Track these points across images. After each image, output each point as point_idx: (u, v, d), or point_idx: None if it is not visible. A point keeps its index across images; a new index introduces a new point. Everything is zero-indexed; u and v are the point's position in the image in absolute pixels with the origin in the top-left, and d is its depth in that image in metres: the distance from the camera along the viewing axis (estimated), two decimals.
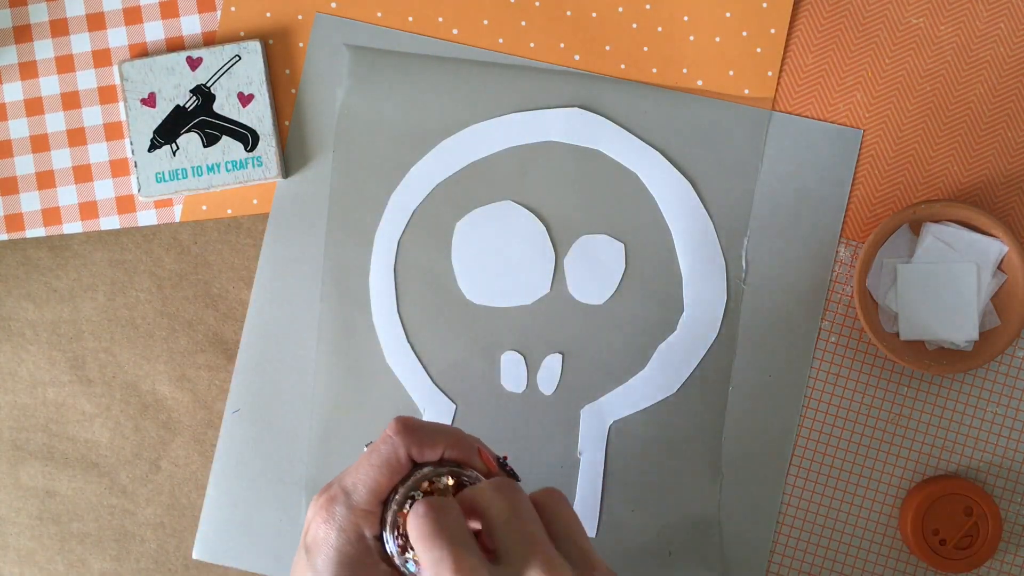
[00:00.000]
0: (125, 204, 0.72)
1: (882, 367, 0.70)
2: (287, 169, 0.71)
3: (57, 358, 0.71)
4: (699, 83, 0.71)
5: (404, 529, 0.51)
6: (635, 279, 0.71)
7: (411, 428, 0.53)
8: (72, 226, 0.71)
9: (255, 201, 0.72)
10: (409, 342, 0.71)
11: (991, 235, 0.68)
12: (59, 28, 0.71)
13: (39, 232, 0.72)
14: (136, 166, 0.70)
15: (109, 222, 0.71)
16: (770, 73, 0.71)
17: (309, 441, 0.71)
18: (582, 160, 0.71)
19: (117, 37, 0.72)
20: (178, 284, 0.71)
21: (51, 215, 0.71)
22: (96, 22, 0.72)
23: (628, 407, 0.70)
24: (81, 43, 0.71)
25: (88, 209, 0.71)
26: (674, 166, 0.71)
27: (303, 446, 0.71)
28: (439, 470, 0.53)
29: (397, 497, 0.52)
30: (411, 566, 0.51)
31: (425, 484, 0.52)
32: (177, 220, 0.72)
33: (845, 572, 0.70)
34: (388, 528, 0.52)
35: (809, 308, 0.70)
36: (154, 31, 0.72)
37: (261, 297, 0.71)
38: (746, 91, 0.71)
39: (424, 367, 0.71)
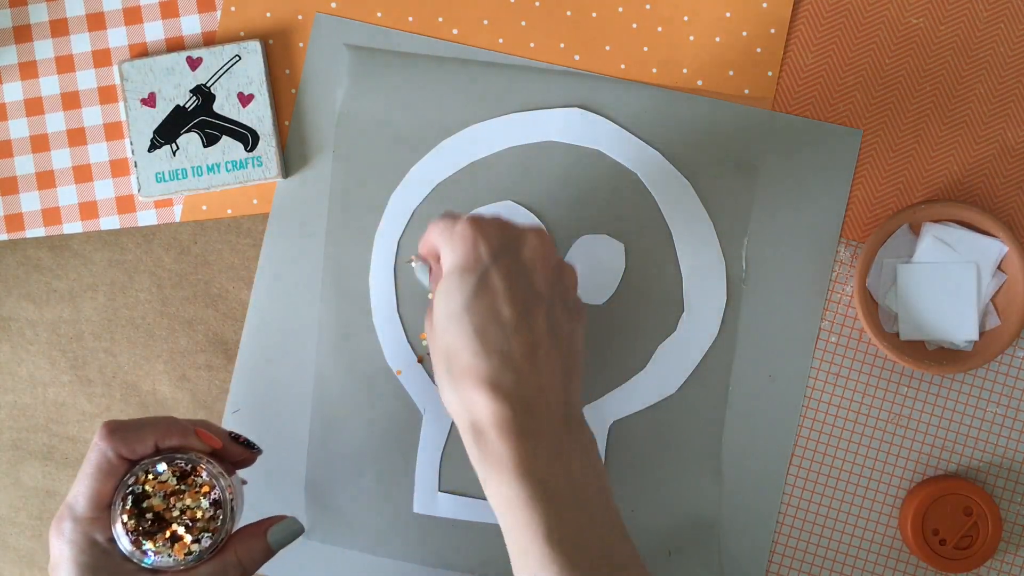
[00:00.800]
0: (125, 204, 0.71)
1: (882, 367, 0.70)
2: (287, 169, 0.71)
3: (57, 358, 0.71)
4: (699, 83, 0.71)
5: (131, 526, 0.54)
6: (635, 279, 0.71)
7: (115, 429, 0.55)
8: (72, 226, 0.71)
9: (255, 201, 0.72)
10: (409, 342, 0.71)
11: (991, 235, 0.68)
12: (59, 28, 0.71)
13: (39, 232, 0.71)
14: (136, 166, 0.70)
15: (109, 222, 0.71)
16: (770, 73, 0.71)
17: (309, 441, 0.70)
18: (582, 160, 0.71)
19: (117, 37, 0.72)
20: (178, 284, 0.71)
21: (51, 215, 0.71)
22: (96, 22, 0.72)
23: (628, 407, 0.70)
24: (81, 43, 0.71)
25: (88, 209, 0.71)
26: (674, 166, 0.71)
27: (303, 446, 0.70)
28: (153, 460, 0.55)
29: (116, 497, 0.55)
30: (149, 559, 0.55)
31: (140, 476, 0.55)
32: (177, 220, 0.72)
33: (845, 572, 0.70)
34: (116, 528, 0.54)
35: (809, 308, 0.70)
36: (154, 31, 0.72)
37: (261, 297, 0.71)
38: (746, 91, 0.71)
39: (424, 367, 0.71)
